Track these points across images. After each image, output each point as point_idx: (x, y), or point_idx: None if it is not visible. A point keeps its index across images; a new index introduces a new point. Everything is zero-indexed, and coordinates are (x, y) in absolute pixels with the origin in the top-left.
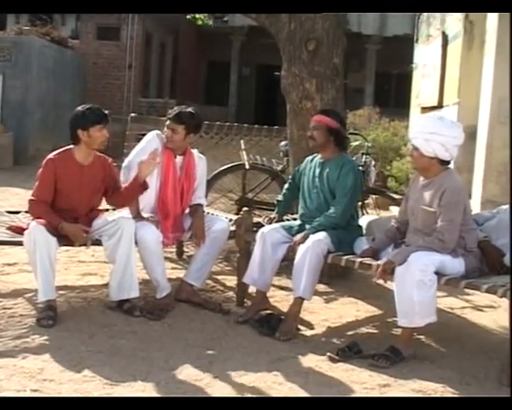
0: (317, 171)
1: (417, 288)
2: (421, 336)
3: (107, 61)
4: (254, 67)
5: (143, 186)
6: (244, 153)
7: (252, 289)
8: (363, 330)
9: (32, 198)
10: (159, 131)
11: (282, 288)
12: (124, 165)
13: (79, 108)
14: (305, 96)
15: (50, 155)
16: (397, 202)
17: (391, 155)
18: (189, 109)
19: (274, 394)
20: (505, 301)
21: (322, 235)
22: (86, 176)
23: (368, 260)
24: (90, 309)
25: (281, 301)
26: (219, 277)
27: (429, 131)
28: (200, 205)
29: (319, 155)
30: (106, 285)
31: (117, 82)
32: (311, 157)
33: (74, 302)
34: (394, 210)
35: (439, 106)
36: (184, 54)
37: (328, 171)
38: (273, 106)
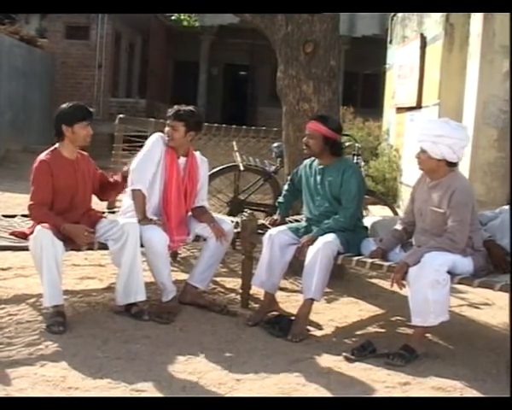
0: (318, 178)
1: (432, 287)
2: (428, 335)
3: (77, 61)
4: (222, 66)
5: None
6: (237, 154)
7: (253, 291)
8: (370, 329)
9: (32, 203)
10: (161, 134)
11: (281, 289)
12: (132, 168)
13: (64, 104)
14: (302, 98)
15: (41, 157)
16: (383, 202)
17: (366, 155)
18: (189, 107)
19: (300, 395)
20: (499, 299)
21: (331, 237)
22: (78, 170)
23: (379, 261)
24: (97, 314)
25: (283, 302)
26: (218, 279)
27: (437, 134)
28: (203, 207)
29: (317, 161)
30: (107, 289)
31: (86, 82)
32: (309, 161)
33: (79, 307)
34: (371, 209)
35: (418, 106)
36: (153, 53)
37: (331, 179)
38: (242, 106)
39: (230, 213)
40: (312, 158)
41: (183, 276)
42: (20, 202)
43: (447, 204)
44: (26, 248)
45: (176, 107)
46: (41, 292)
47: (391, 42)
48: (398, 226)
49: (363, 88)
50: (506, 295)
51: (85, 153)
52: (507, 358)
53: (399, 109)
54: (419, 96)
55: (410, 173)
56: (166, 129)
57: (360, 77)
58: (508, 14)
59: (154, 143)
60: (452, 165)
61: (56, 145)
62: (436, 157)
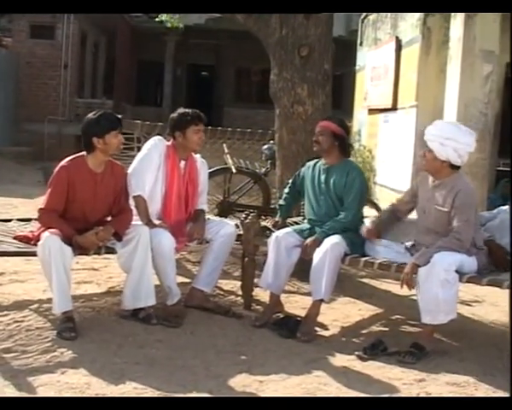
0: (322, 177)
1: (442, 287)
2: None
3: (42, 61)
4: (185, 66)
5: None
6: (229, 156)
7: (253, 292)
8: (374, 328)
9: (43, 207)
10: (160, 137)
11: None
12: (129, 171)
13: (91, 115)
14: (296, 100)
15: (63, 162)
16: (371, 203)
17: None
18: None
19: (323, 394)
20: (489, 296)
21: (338, 238)
22: (99, 184)
23: (387, 262)
24: (103, 319)
25: (283, 303)
26: None
27: (446, 136)
28: (203, 211)
29: (322, 161)
30: (107, 293)
31: (52, 82)
32: (312, 162)
33: (84, 312)
34: None
35: (394, 108)
36: (118, 54)
37: (335, 178)
38: (207, 106)
39: (219, 215)
40: (316, 159)
41: (177, 279)
42: None
43: (451, 204)
44: (32, 254)
45: (193, 111)
46: (41, 297)
47: (361, 44)
48: (388, 208)
49: None
50: (496, 292)
51: (121, 165)
52: (509, 354)
53: (372, 111)
54: (394, 97)
55: (384, 174)
56: (196, 136)
57: None
58: (489, 18)
59: (153, 148)
60: (455, 168)
61: (84, 153)
62: (441, 158)
